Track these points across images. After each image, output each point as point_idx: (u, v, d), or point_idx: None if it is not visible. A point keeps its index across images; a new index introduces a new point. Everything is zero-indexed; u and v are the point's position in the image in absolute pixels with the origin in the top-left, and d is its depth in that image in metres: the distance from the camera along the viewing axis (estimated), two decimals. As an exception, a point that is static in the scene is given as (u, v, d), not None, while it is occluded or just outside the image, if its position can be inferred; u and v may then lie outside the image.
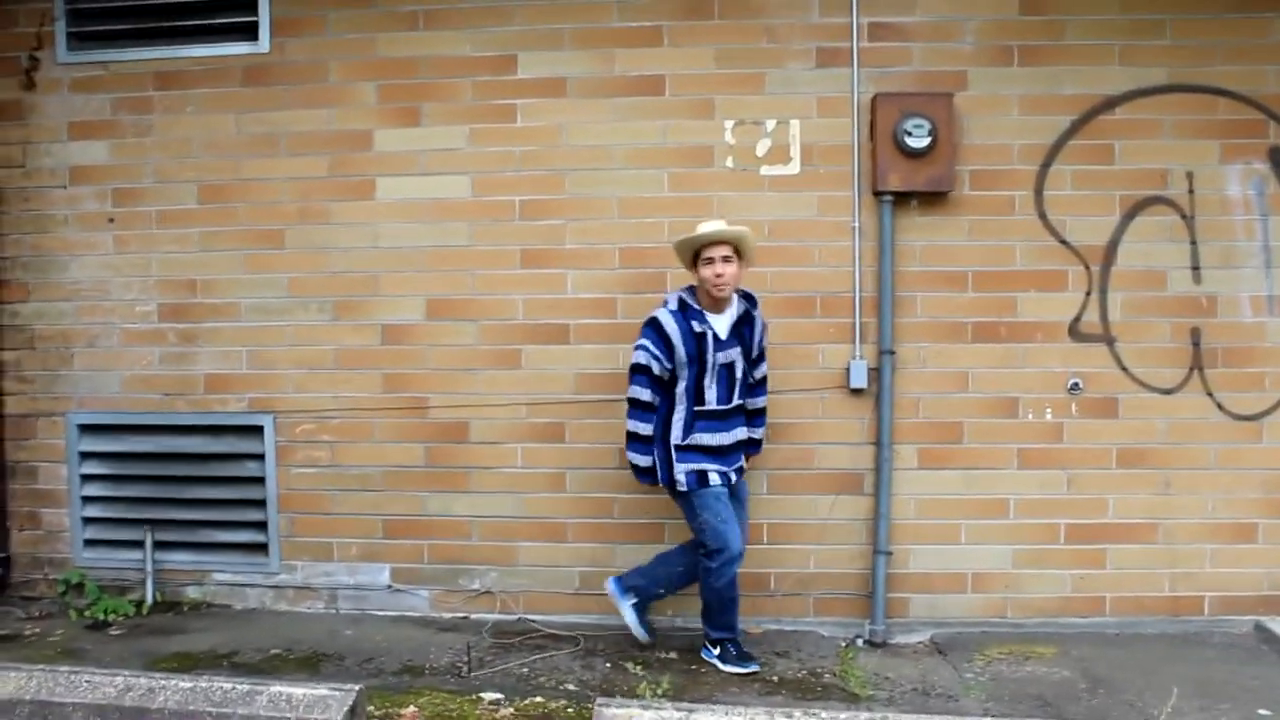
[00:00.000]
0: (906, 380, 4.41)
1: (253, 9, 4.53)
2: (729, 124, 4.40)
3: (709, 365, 3.89)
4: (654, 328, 3.88)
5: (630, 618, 4.15)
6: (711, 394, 3.92)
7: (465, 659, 4.07)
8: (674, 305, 3.91)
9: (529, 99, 4.43)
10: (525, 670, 4.05)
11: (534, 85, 4.43)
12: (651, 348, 3.86)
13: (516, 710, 3.72)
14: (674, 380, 3.92)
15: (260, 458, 4.59)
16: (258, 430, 4.58)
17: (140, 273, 4.63)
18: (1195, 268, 4.42)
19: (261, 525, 4.61)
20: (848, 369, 4.39)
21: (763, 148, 4.39)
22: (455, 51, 4.47)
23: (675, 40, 4.41)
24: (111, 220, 4.64)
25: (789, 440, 4.43)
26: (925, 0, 4.36)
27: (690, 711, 3.36)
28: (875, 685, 3.98)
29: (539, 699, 3.77)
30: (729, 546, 3.87)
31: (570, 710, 3.64)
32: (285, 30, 4.53)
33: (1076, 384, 4.41)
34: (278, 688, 3.14)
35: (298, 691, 3.12)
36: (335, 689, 3.14)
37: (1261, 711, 3.78)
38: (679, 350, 3.87)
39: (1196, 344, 4.42)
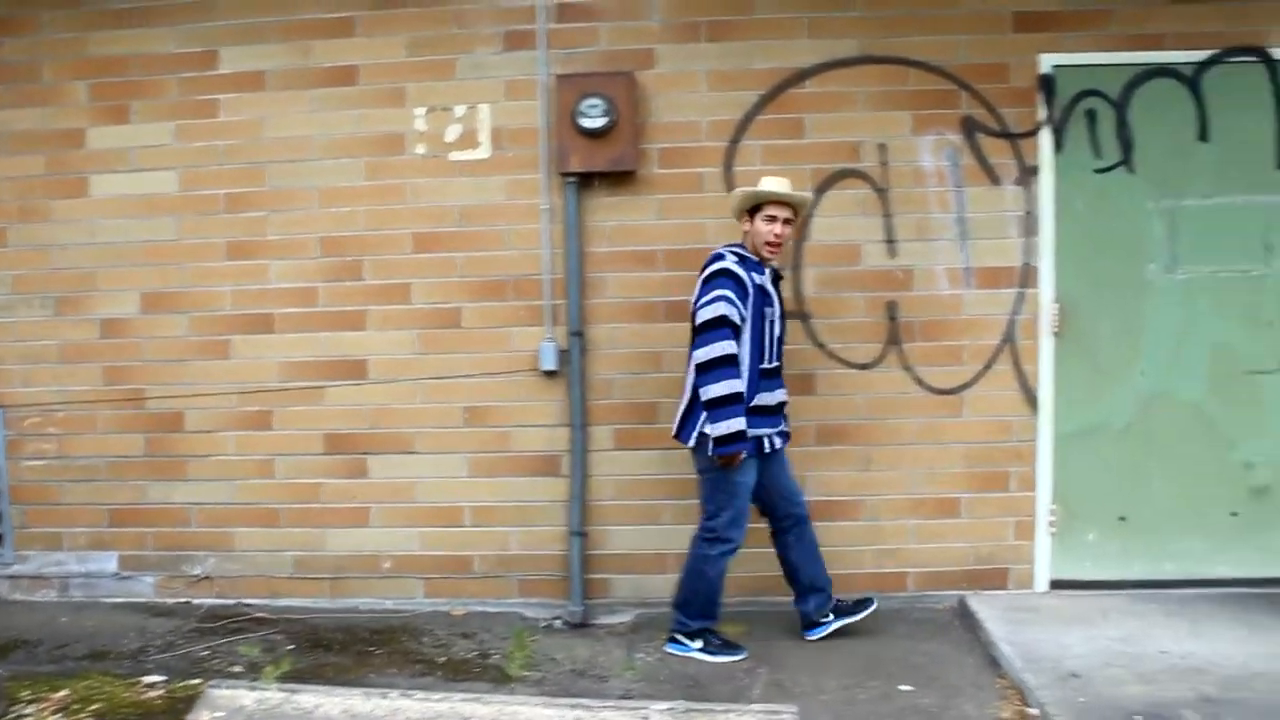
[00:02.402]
0: (599, 361, 4.42)
1: (-31, 11, 4.63)
2: (420, 111, 4.44)
3: (766, 319, 3.83)
4: (730, 277, 3.73)
5: (714, 658, 3.97)
6: (768, 350, 3.85)
7: (157, 643, 4.17)
8: (733, 258, 3.79)
9: (231, 93, 4.50)
10: (207, 653, 4.14)
11: (235, 79, 4.50)
12: (733, 296, 3.70)
13: (168, 692, 3.81)
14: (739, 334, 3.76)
15: (-8, 451, 4.72)
16: (-9, 424, 4.72)
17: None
18: (890, 241, 4.37)
19: None
20: (539, 351, 4.40)
21: (453, 133, 4.42)
22: (161, 48, 4.55)
23: (367, 30, 4.45)
24: None
25: (486, 424, 4.47)
26: (611, -21, 4.33)
27: (293, 692, 3.44)
28: (535, 667, 4.01)
29: (196, 681, 3.86)
30: (738, 540, 3.90)
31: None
32: (1, 30, 4.63)
33: (771, 361, 4.36)
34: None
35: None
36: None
37: (902, 687, 3.76)
38: (750, 300, 3.76)
39: (893, 318, 4.38)
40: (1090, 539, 4.47)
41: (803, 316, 4.39)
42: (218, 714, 3.35)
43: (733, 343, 3.69)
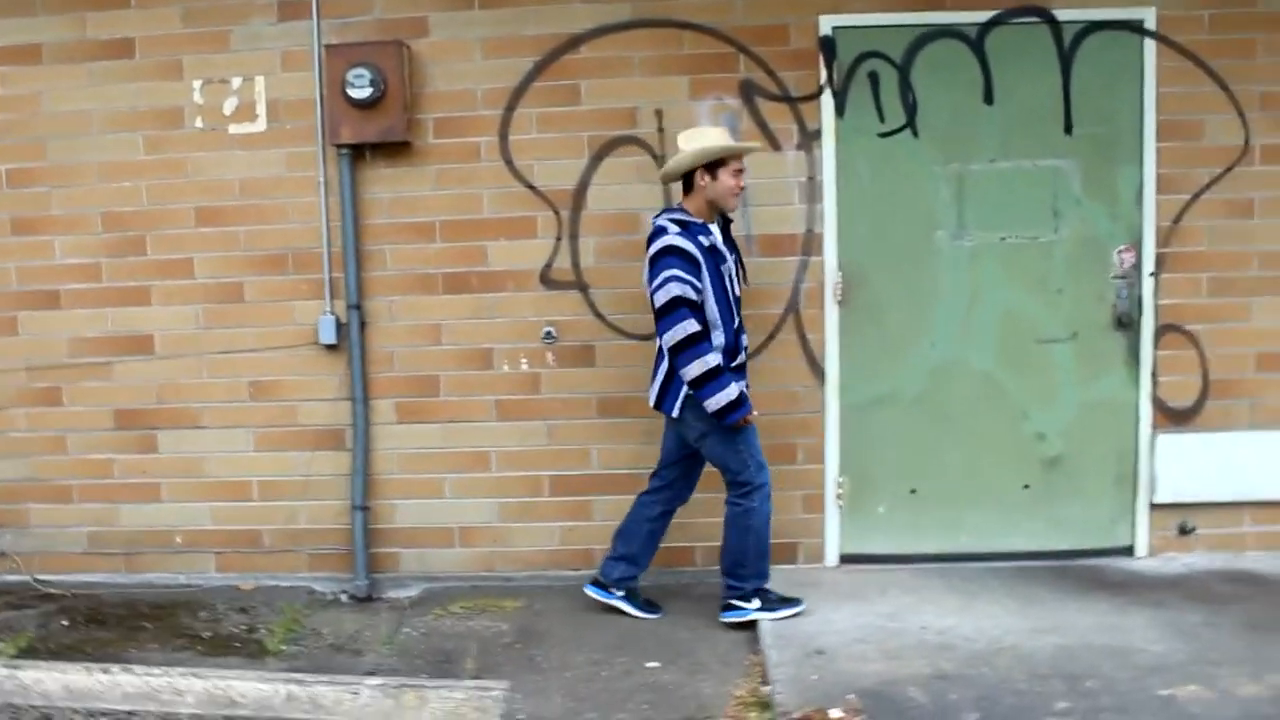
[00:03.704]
0: (380, 334, 4.39)
1: None
2: (198, 84, 4.38)
3: (725, 277, 3.76)
4: (676, 253, 3.63)
5: (774, 614, 3.90)
6: (735, 309, 3.80)
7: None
8: (675, 228, 3.69)
9: (6, 67, 4.45)
10: (-31, 629, 4.15)
11: (9, 53, 4.44)
12: (684, 274, 3.60)
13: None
14: (701, 308, 3.68)
15: None
16: None
17: None
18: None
19: None
20: (318, 324, 4.36)
21: (230, 106, 4.37)
22: (-62, 25, 4.49)
23: (142, 2, 4.39)
24: None
25: (272, 398, 4.45)
26: (383, -54, 4.25)
27: (16, 668, 3.46)
28: (297, 641, 4.02)
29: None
30: (768, 480, 3.81)
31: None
32: None
33: (550, 333, 4.34)
34: None
35: None
36: None
37: (649, 664, 3.73)
38: (704, 268, 3.66)
39: (673, 288, 4.28)
40: (881, 512, 4.41)
41: (581, 287, 4.33)
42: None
43: (693, 320, 3.62)
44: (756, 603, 3.89)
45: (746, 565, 3.89)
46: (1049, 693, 3.27)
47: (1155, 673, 3.38)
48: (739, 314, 3.87)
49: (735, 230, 4.17)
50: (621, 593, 4.07)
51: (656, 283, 3.65)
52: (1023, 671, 3.42)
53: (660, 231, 3.71)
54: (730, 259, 3.84)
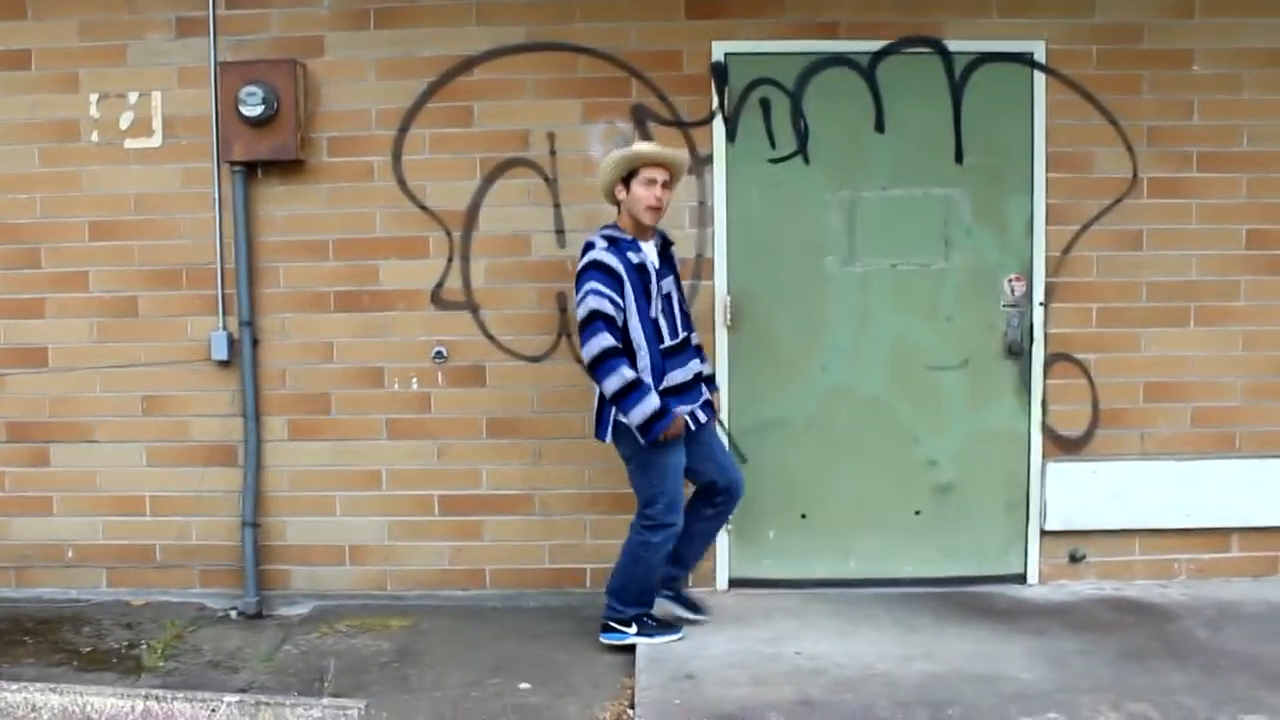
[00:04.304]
0: (272, 351, 4.38)
1: None
2: (94, 97, 4.38)
3: (654, 296, 3.69)
4: (598, 268, 3.59)
5: (652, 640, 3.88)
6: (665, 328, 3.72)
7: None
8: (603, 244, 3.66)
9: (-97, 76, 4.44)
10: None
11: (-93, 63, 4.44)
12: (604, 289, 3.55)
13: None
14: (624, 327, 3.64)
15: None
16: None
17: None
18: (559, 231, 4.32)
19: None
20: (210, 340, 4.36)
21: (126, 120, 4.37)
22: None
23: (39, 13, 4.38)
24: None
25: (165, 413, 4.45)
26: (280, -35, 4.26)
27: None
28: (175, 658, 4.00)
29: None
30: (678, 523, 3.76)
31: None
32: None
33: (441, 353, 4.34)
34: None
35: None
36: None
37: (522, 685, 3.73)
38: (627, 285, 3.60)
39: (563, 310, 4.33)
40: (771, 537, 4.42)
41: (472, 307, 4.34)
42: None
43: (608, 335, 3.57)
44: (635, 629, 3.90)
45: (629, 591, 3.89)
46: (908, 720, 3.28)
47: (1018, 700, 3.40)
48: (684, 332, 3.82)
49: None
50: (670, 592, 4.04)
51: (578, 297, 3.64)
52: (887, 698, 3.43)
53: (588, 247, 3.71)
54: (667, 278, 3.80)
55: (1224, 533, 4.42)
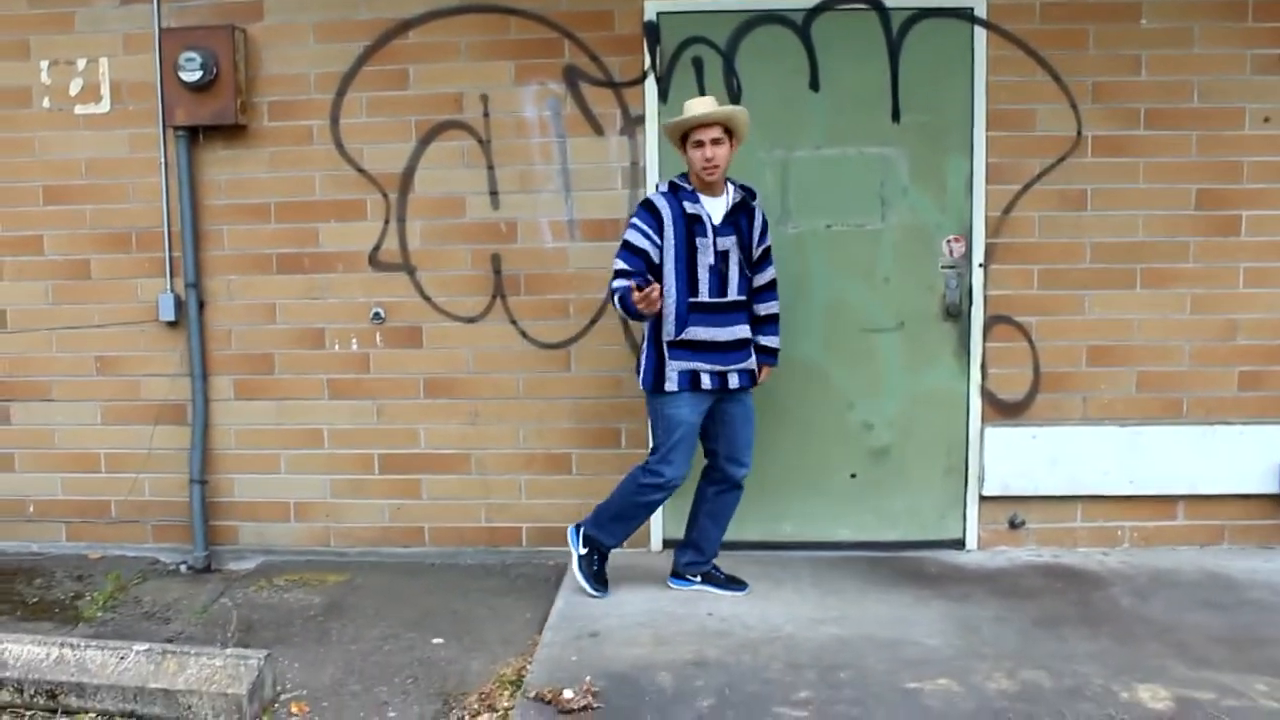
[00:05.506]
0: (218, 313, 4.48)
1: None
2: (44, 64, 4.48)
3: (701, 250, 3.70)
4: (644, 206, 3.72)
5: (579, 576, 4.00)
6: (705, 284, 3.71)
7: None
8: (664, 188, 3.76)
9: None
10: None
11: None
12: (642, 224, 3.66)
13: None
14: (661, 270, 3.69)
15: None
16: None
17: None
18: (494, 193, 4.34)
19: None
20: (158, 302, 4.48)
21: (75, 86, 4.47)
22: None
23: (-10, -20, 4.49)
24: None
25: (117, 372, 4.57)
26: (219, -70, 4.30)
27: None
28: (115, 609, 4.14)
29: None
30: (669, 476, 3.79)
31: None
32: None
33: (379, 314, 4.40)
34: None
35: None
36: None
37: (435, 640, 3.81)
38: (669, 230, 3.66)
39: (498, 271, 4.36)
40: (706, 497, 4.40)
41: (408, 269, 4.39)
42: None
43: (621, 260, 3.69)
44: (585, 550, 3.96)
45: (603, 513, 3.93)
46: (796, 682, 3.29)
47: (914, 666, 3.38)
48: (737, 295, 3.78)
49: (558, 215, 4.23)
50: (698, 577, 4.07)
51: None
52: (782, 661, 3.44)
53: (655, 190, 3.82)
54: (728, 237, 3.73)
55: (1170, 500, 4.33)
